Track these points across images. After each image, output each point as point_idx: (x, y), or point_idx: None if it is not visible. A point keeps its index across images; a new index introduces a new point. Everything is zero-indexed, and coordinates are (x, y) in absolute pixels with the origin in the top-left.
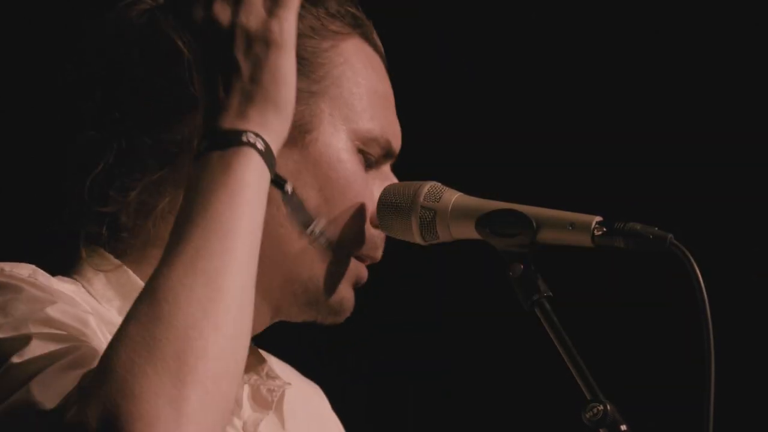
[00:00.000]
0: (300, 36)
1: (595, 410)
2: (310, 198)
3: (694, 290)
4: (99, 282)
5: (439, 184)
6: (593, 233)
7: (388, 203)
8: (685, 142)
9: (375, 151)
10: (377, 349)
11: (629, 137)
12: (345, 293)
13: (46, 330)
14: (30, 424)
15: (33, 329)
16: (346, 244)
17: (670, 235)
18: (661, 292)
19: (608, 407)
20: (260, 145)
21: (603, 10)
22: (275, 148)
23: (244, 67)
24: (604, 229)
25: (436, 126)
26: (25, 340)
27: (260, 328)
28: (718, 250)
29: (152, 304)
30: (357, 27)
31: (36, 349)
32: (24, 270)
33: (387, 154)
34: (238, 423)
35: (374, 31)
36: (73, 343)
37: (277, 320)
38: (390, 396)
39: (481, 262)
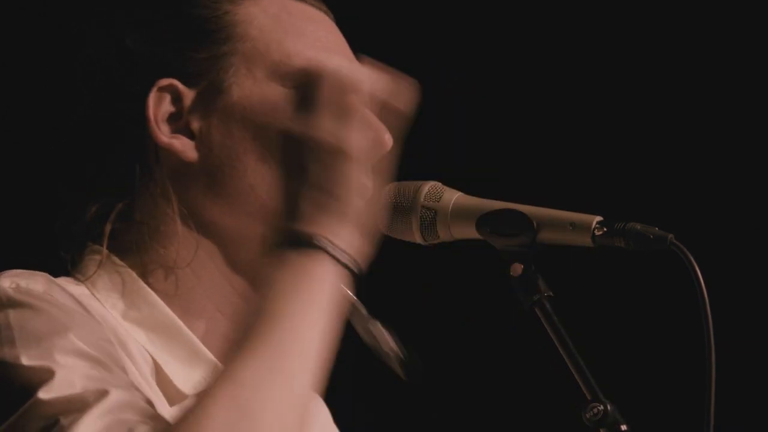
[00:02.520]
0: (197, 9)
1: (595, 410)
2: (249, 149)
3: (694, 290)
4: (102, 284)
5: (440, 184)
6: (593, 233)
7: (388, 203)
8: (685, 142)
9: None
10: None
11: (629, 137)
12: None
13: (71, 361)
14: None
15: (60, 359)
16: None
17: (671, 235)
18: (661, 292)
19: (608, 407)
20: (331, 250)
21: (603, 9)
22: (349, 254)
23: (318, 177)
24: (605, 229)
25: (436, 126)
26: (50, 373)
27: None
28: (718, 250)
29: (232, 390)
30: None
31: (64, 385)
32: (39, 285)
33: None
34: None
35: None
36: (101, 385)
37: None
38: (390, 397)
39: (481, 262)
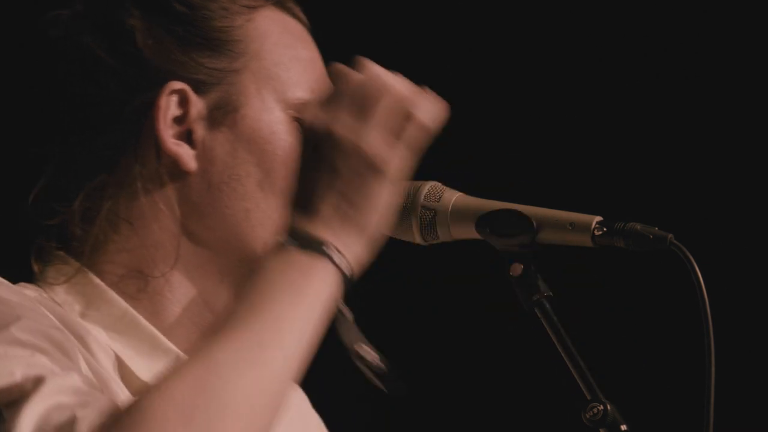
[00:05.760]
0: (212, 19)
1: (595, 410)
2: (251, 174)
3: (694, 290)
4: (60, 287)
5: (440, 184)
6: (593, 233)
7: None
8: (685, 142)
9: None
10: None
11: (629, 137)
12: None
13: (12, 351)
14: None
15: (2, 349)
16: (269, 207)
17: (670, 235)
18: (661, 292)
19: (608, 407)
20: (344, 266)
21: (603, 9)
22: (354, 271)
23: (346, 183)
24: (604, 229)
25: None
26: None
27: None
28: (718, 250)
29: (201, 372)
30: None
31: (4, 375)
32: None
33: None
34: None
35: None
36: (40, 371)
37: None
38: (390, 397)
39: (481, 262)
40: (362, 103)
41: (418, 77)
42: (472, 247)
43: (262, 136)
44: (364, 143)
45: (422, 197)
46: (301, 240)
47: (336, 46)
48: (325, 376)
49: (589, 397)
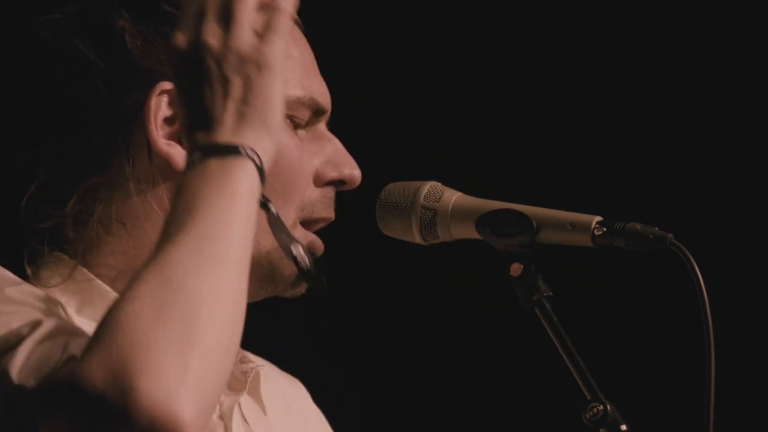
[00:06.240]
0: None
1: (595, 410)
2: None
3: (694, 290)
4: (55, 288)
5: (440, 184)
6: (593, 233)
7: (388, 203)
8: (685, 142)
9: (303, 114)
10: (374, 347)
11: (629, 137)
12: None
13: (7, 308)
14: (14, 397)
15: None
16: (286, 213)
17: (670, 235)
18: (661, 292)
19: (608, 407)
20: (257, 159)
21: (603, 9)
22: (266, 166)
23: (237, 88)
24: (604, 229)
25: (436, 126)
26: None
27: None
28: (718, 250)
29: (163, 272)
30: None
31: (1, 327)
32: None
33: (316, 112)
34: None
35: None
36: (38, 317)
37: None
38: (390, 397)
39: (481, 262)
40: (223, 9)
41: (419, 77)
42: (472, 247)
43: None
44: (238, 44)
45: (422, 197)
46: (214, 151)
47: (331, 42)
48: (325, 376)
49: (589, 397)
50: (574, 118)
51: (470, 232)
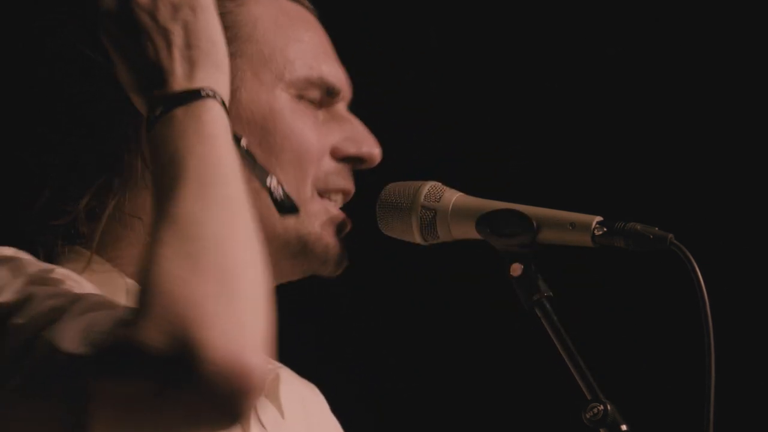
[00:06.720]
0: None
1: (595, 410)
2: (255, 154)
3: (694, 290)
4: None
5: (440, 184)
6: (593, 233)
7: (388, 203)
8: (685, 142)
9: (315, 94)
10: (377, 349)
11: (629, 137)
12: (326, 239)
13: (45, 288)
14: (64, 366)
15: (32, 289)
16: (302, 186)
17: (671, 235)
18: (662, 292)
19: (608, 407)
20: (218, 98)
21: (604, 10)
22: (226, 101)
23: (178, 35)
24: (605, 229)
25: (436, 126)
26: (24, 300)
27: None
28: (718, 250)
29: (177, 227)
30: None
31: (38, 305)
32: (7, 250)
33: (329, 92)
34: None
35: None
36: (77, 293)
37: (279, 282)
38: (390, 397)
39: (481, 262)
40: None
41: (418, 77)
42: (472, 247)
43: (262, 115)
44: None
45: (422, 197)
46: (176, 100)
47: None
48: (328, 377)
49: (589, 397)
50: (574, 118)
51: (470, 232)
